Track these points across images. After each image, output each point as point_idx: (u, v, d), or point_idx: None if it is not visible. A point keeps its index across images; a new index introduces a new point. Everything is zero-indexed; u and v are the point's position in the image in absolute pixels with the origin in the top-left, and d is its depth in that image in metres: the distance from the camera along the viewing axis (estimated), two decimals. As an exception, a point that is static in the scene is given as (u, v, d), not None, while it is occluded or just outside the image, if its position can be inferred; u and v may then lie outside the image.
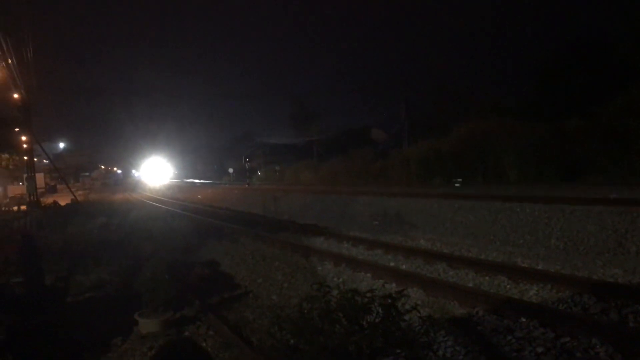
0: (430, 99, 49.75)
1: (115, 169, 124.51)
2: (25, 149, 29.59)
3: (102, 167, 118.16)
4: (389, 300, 3.55)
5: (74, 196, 33.05)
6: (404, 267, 10.00)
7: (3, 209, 30.69)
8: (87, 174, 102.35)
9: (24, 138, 30.03)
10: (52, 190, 58.43)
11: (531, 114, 31.97)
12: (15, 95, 25.93)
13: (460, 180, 28.45)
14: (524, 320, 6.20)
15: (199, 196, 43.07)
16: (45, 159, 44.91)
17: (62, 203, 28.94)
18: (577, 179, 23.10)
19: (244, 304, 9.07)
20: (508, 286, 8.01)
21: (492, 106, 37.84)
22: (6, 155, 39.21)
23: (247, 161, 57.28)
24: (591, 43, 37.09)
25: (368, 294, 3.67)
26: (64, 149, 71.75)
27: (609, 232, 11.06)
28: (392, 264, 10.36)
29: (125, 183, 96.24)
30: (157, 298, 7.87)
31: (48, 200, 32.43)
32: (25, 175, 30.15)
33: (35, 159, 31.84)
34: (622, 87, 27.43)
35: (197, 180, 77.39)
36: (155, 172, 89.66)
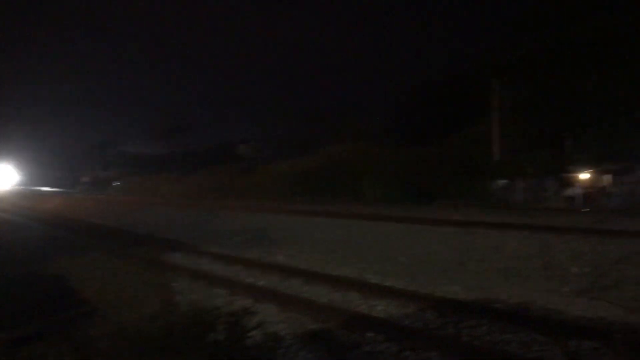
0: (298, 119, 50.81)
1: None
2: None
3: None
4: (234, 318, 3.56)
5: None
6: (261, 283, 10.04)
7: None
8: None
9: None
10: None
11: (392, 140, 33.85)
12: None
13: (301, 198, 29.37)
14: (371, 334, 6.48)
15: (49, 205, 40.09)
16: None
17: None
18: (429, 202, 24.74)
19: (91, 322, 8.55)
20: (358, 301, 8.33)
21: (356, 130, 39.54)
22: None
23: (104, 170, 54.45)
24: (446, 77, 40.18)
25: (214, 312, 3.65)
26: None
27: (451, 250, 11.96)
28: (250, 280, 10.36)
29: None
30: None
31: None
32: None
33: None
34: (470, 119, 30.06)
35: (48, 189, 72.01)
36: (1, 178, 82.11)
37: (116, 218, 25.24)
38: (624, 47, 25.06)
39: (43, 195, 55.73)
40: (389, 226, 14.25)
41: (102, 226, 23.05)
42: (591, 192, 24.38)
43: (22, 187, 78.46)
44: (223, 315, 3.69)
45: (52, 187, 75.18)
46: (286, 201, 29.77)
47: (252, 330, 3.81)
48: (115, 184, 60.38)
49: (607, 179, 25.31)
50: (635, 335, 6.36)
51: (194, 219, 21.79)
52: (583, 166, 25.27)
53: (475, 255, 11.46)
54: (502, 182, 27.25)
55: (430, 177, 26.72)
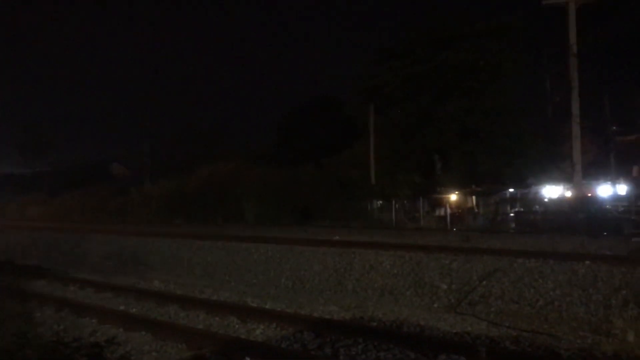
0: (174, 138, 49.62)
1: None
2: None
3: None
4: (97, 350, 3.32)
5: None
6: (134, 310, 9.56)
7: None
8: None
9: None
10: None
11: (270, 160, 34.02)
12: None
13: (178, 221, 28.84)
14: (248, 359, 6.37)
15: None
16: None
17: None
18: (309, 222, 25.04)
19: None
20: (237, 326, 8.18)
21: (235, 150, 39.36)
22: None
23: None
24: (324, 99, 41.24)
25: (73, 344, 3.38)
26: None
27: (330, 271, 12.14)
28: (122, 307, 9.83)
29: None
30: None
31: None
32: None
33: None
34: (348, 142, 30.98)
35: None
36: None
37: (-29, 243, 22.99)
38: (480, 78, 27.20)
39: None
40: (269, 248, 14.21)
41: (-46, 253, 20.89)
42: (459, 213, 25.98)
43: None
44: (85, 347, 3.43)
45: None
46: (163, 224, 28.78)
47: (117, 363, 3.58)
48: (-29, 206, 55.11)
49: (472, 200, 27.16)
50: (498, 348, 6.78)
51: (62, 243, 20.39)
52: (451, 188, 26.90)
53: (353, 275, 11.72)
54: (378, 203, 28.30)
55: (309, 197, 27.13)
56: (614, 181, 26.25)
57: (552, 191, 26.44)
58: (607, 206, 22.12)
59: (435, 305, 9.83)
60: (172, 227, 25.57)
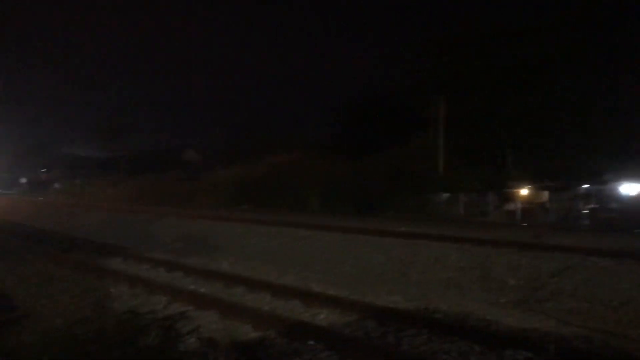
0: (244, 127, 50.63)
1: None
2: None
3: None
4: (169, 322, 3.47)
5: None
6: (203, 290, 9.87)
7: None
8: None
9: None
10: None
11: (336, 151, 34.12)
12: None
13: (244, 206, 29.34)
14: (311, 343, 6.46)
15: (-18, 207, 38.34)
16: None
17: None
18: (372, 213, 24.98)
19: (23, 328, 8.19)
20: (301, 310, 8.31)
21: (299, 140, 39.73)
22: None
23: (44, 171, 52.41)
24: (391, 91, 40.84)
25: (148, 316, 3.55)
26: None
27: (395, 261, 12.08)
28: (191, 287, 10.17)
29: None
30: None
31: None
32: None
33: None
34: (414, 133, 30.65)
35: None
36: None
37: (55, 221, 24.38)
38: (551, 72, 26.25)
39: (-24, 196, 53.26)
40: (333, 236, 14.30)
41: (40, 229, 22.21)
42: (530, 208, 25.20)
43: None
44: (158, 319, 3.60)
45: (-14, 187, 71.93)
46: (230, 209, 29.45)
47: (187, 336, 3.72)
48: (55, 186, 58.29)
49: (545, 195, 26.24)
50: (567, 346, 6.57)
51: (136, 223, 21.27)
52: (523, 182, 26.12)
53: (417, 266, 11.63)
54: (444, 195, 27.84)
55: (373, 188, 27.03)
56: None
57: (630, 188, 25.15)
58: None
59: (503, 300, 9.61)
60: (240, 212, 26.12)
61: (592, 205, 24.29)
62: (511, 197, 26.16)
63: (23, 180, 61.64)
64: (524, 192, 26.15)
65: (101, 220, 23.56)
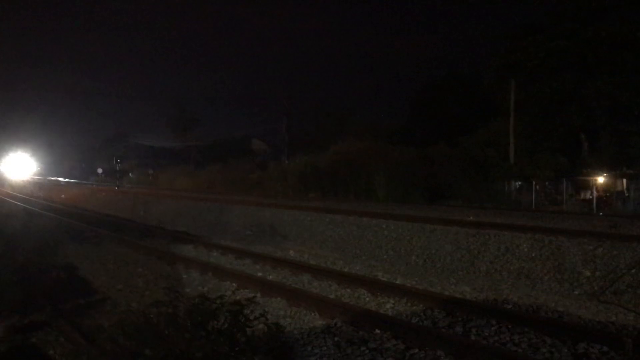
0: (310, 115, 50.89)
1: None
2: None
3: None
4: (237, 307, 3.56)
5: None
6: (270, 277, 10.04)
7: None
8: None
9: None
10: None
11: (402, 138, 33.75)
12: None
13: (312, 194, 29.47)
14: (378, 331, 6.45)
15: (63, 195, 40.46)
16: None
17: None
18: (440, 201, 24.58)
19: (100, 311, 8.61)
20: (367, 299, 8.31)
21: (366, 128, 39.50)
22: None
23: (119, 162, 54.66)
24: (458, 76, 39.95)
25: (218, 300, 3.65)
26: None
27: (463, 251, 11.87)
28: (259, 274, 10.37)
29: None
30: (2, 301, 7.28)
31: None
32: None
33: None
34: (483, 119, 29.86)
35: (62, 179, 72.62)
36: (17, 167, 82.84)
37: (129, 209, 25.40)
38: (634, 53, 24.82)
39: (58, 185, 56.25)
40: (400, 225, 14.18)
41: (115, 217, 23.21)
42: (606, 197, 24.11)
43: (38, 177, 79.28)
44: (227, 304, 3.69)
45: (67, 177, 75.86)
46: (298, 197, 29.76)
47: (255, 321, 3.80)
48: (129, 175, 60.81)
49: (622, 183, 25.01)
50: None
51: (206, 212, 21.86)
52: (599, 170, 25.00)
53: (487, 256, 11.38)
54: (515, 183, 27.04)
55: (442, 176, 26.59)
56: None
57: None
58: None
59: (576, 292, 9.26)
60: (306, 200, 26.34)
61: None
62: (586, 185, 25.10)
63: (100, 170, 64.57)
64: (600, 179, 25.03)
65: (173, 208, 24.36)
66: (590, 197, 24.07)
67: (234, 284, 9.34)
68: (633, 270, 9.26)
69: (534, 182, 25.64)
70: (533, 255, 10.90)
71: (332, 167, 30.95)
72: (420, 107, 41.26)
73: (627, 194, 24.38)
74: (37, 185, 56.56)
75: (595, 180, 24.83)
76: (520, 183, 27.04)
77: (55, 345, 6.83)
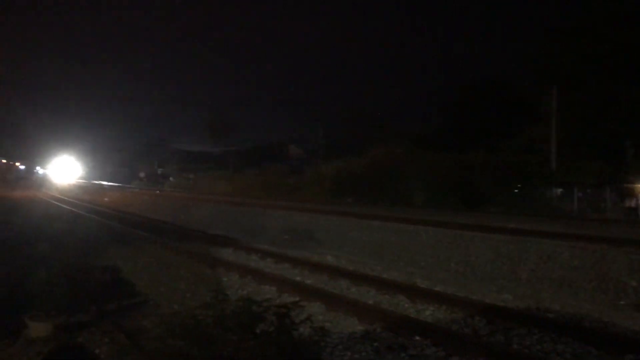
0: (345, 121, 50.91)
1: (17, 164, 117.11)
2: None
3: (4, 161, 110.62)
4: (284, 310, 3.61)
5: (-33, 190, 30.84)
6: (309, 281, 10.10)
7: None
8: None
9: None
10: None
11: (440, 144, 33.46)
12: None
13: (348, 200, 29.43)
14: (418, 338, 6.43)
15: (106, 199, 41.43)
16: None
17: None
18: (479, 208, 24.27)
19: (143, 312, 8.81)
20: (406, 305, 8.28)
21: (402, 134, 39.33)
22: None
23: (160, 167, 55.75)
24: (496, 82, 39.43)
25: (264, 303, 3.72)
26: (-40, 138, 66.55)
27: (503, 259, 11.70)
28: (298, 278, 10.45)
29: (28, 180, 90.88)
30: (50, 301, 7.51)
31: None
32: None
33: None
34: (522, 125, 29.38)
35: (105, 182, 74.42)
36: (63, 170, 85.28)
37: (170, 213, 25.86)
38: None
39: (102, 189, 57.63)
40: (438, 231, 14.06)
41: (156, 220, 23.66)
42: (654, 205, 23.41)
43: (83, 181, 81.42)
44: (273, 307, 3.76)
45: (110, 181, 77.69)
46: (334, 202, 29.79)
47: (301, 325, 3.85)
48: (170, 180, 61.88)
49: (670, 191, 24.25)
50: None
51: (244, 216, 22.10)
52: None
53: (528, 264, 11.19)
54: (557, 190, 26.51)
55: (480, 183, 26.25)
56: None
57: None
58: None
59: (622, 302, 9.03)
60: (343, 205, 26.34)
61: None
62: (631, 193, 24.40)
63: (142, 174, 65.93)
64: (647, 187, 24.31)
65: (212, 212, 24.69)
66: (635, 205, 23.40)
67: (273, 288, 9.44)
68: (681, 281, 8.99)
69: (575, 189, 25.08)
70: (575, 263, 10.67)
71: (368, 172, 30.90)
72: (455, 112, 40.88)
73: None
74: (82, 188, 58.10)
75: (641, 187, 24.13)
76: (561, 190, 26.49)
77: (100, 345, 7.02)
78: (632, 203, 23.90)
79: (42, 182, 79.87)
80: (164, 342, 3.85)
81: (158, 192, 44.14)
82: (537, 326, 6.82)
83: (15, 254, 11.97)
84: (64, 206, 31.40)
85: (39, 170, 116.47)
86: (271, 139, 65.66)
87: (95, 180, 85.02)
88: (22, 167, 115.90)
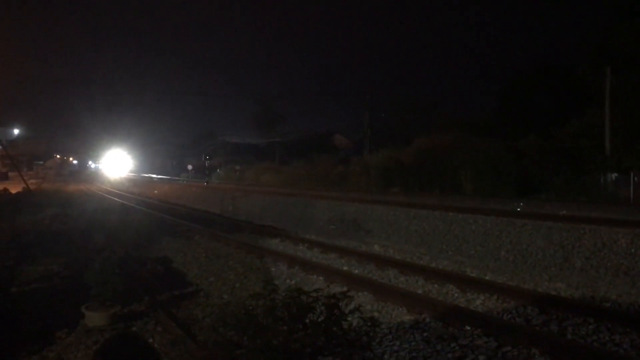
0: (392, 109, 50.38)
1: (71, 159, 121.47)
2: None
3: (58, 156, 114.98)
4: (333, 301, 3.61)
5: (26, 185, 32.12)
6: (356, 271, 10.10)
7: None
8: (41, 162, 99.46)
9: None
10: (3, 177, 56.57)
11: (490, 131, 32.75)
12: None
13: (395, 189, 29.16)
14: (468, 328, 6.35)
15: (156, 191, 42.44)
16: (-2, 145, 43.46)
17: (13, 191, 28.11)
18: (530, 195, 23.70)
19: (194, 302, 9.01)
20: (456, 294, 8.18)
21: (452, 121, 38.64)
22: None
23: (207, 159, 56.63)
24: (550, 67, 38.26)
25: (313, 294, 3.73)
26: (19, 135, 69.30)
27: (556, 247, 11.40)
28: (345, 268, 10.46)
29: (81, 174, 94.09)
30: (106, 292, 7.75)
31: (-2, 187, 31.41)
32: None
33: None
34: (576, 110, 28.45)
35: (154, 175, 76.21)
36: (114, 164, 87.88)
37: (218, 204, 26.26)
38: None
39: (152, 182, 59.06)
40: (489, 220, 13.80)
41: (205, 212, 24.09)
42: None
43: (133, 174, 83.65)
44: (322, 297, 3.76)
45: (159, 174, 79.52)
46: (381, 192, 29.63)
47: (350, 315, 3.85)
48: (218, 172, 62.82)
49: None
50: None
51: (291, 206, 22.24)
52: None
53: (582, 252, 10.87)
54: (612, 175, 25.58)
55: (533, 169, 25.59)
56: None
57: None
58: None
59: (683, 291, 8.67)
60: (390, 195, 26.18)
61: None
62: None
63: (190, 167, 67.15)
64: None
65: (259, 203, 24.95)
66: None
67: (320, 278, 9.48)
68: None
69: (632, 174, 24.14)
70: (633, 251, 10.30)
71: (416, 161, 30.54)
72: (509, 100, 39.91)
73: None
74: (132, 181, 59.66)
75: None
76: (616, 175, 25.55)
77: (154, 334, 7.22)
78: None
79: (95, 175, 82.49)
80: (216, 332, 3.92)
81: (206, 183, 44.87)
82: (593, 316, 6.62)
83: (71, 246, 12.41)
84: (116, 199, 32.34)
85: (92, 164, 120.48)
86: (317, 130, 65.67)
87: (145, 173, 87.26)
88: (75, 162, 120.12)
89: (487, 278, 9.21)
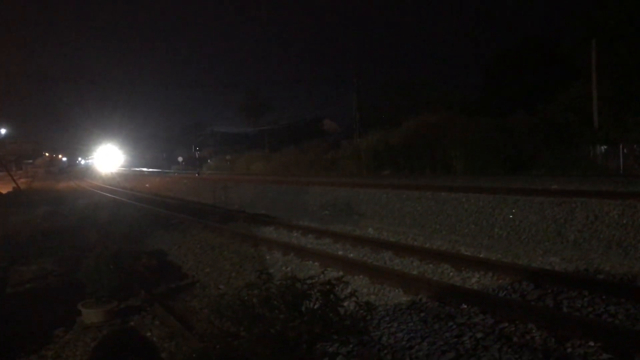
0: (380, 91, 50.23)
1: (60, 156, 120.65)
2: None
3: (47, 154, 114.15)
4: (328, 287, 3.61)
5: (16, 184, 31.90)
6: (351, 255, 10.11)
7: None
8: (30, 161, 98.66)
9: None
10: (-9, 177, 56.07)
11: (478, 109, 32.76)
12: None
13: (386, 172, 29.19)
14: (465, 306, 6.38)
15: (147, 185, 42.31)
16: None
17: (3, 191, 27.91)
18: (521, 172, 23.82)
19: (190, 294, 9.02)
20: (451, 274, 8.22)
21: (440, 100, 38.60)
22: None
23: (197, 150, 56.48)
24: (536, 41, 38.23)
25: (308, 281, 3.72)
26: (6, 135, 68.63)
27: (549, 221, 11.48)
28: (340, 252, 10.47)
29: (71, 171, 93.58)
30: (101, 288, 7.75)
31: (-13, 188, 31.17)
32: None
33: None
34: (564, 84, 28.50)
35: (145, 169, 75.88)
36: (104, 159, 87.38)
37: (210, 195, 26.20)
38: None
39: (142, 175, 58.81)
40: (481, 198, 13.86)
41: (198, 203, 24.03)
42: None
43: (124, 168, 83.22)
44: (317, 284, 3.76)
45: (150, 167, 79.17)
46: (372, 175, 29.67)
47: (346, 300, 3.85)
48: (208, 162, 62.66)
49: None
50: None
51: (283, 194, 22.24)
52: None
53: (575, 225, 10.95)
54: (601, 148, 25.72)
55: (521, 145, 25.66)
56: None
57: None
58: None
59: (676, 259, 8.76)
60: (381, 178, 26.22)
61: None
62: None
63: (180, 159, 66.93)
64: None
65: (252, 191, 24.94)
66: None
67: (316, 264, 9.49)
68: None
69: (621, 146, 24.27)
70: (624, 222, 10.39)
71: (406, 142, 30.53)
72: (495, 76, 39.85)
73: None
74: (124, 176, 59.38)
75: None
76: (605, 147, 25.68)
77: (152, 327, 7.23)
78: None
79: (85, 172, 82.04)
80: (213, 323, 3.92)
81: (197, 175, 44.73)
82: (587, 288, 6.66)
83: (63, 244, 12.35)
84: (107, 194, 32.18)
85: (81, 160, 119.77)
86: (306, 116, 65.50)
87: (136, 167, 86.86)
88: (65, 159, 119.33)
89: (481, 256, 9.25)
